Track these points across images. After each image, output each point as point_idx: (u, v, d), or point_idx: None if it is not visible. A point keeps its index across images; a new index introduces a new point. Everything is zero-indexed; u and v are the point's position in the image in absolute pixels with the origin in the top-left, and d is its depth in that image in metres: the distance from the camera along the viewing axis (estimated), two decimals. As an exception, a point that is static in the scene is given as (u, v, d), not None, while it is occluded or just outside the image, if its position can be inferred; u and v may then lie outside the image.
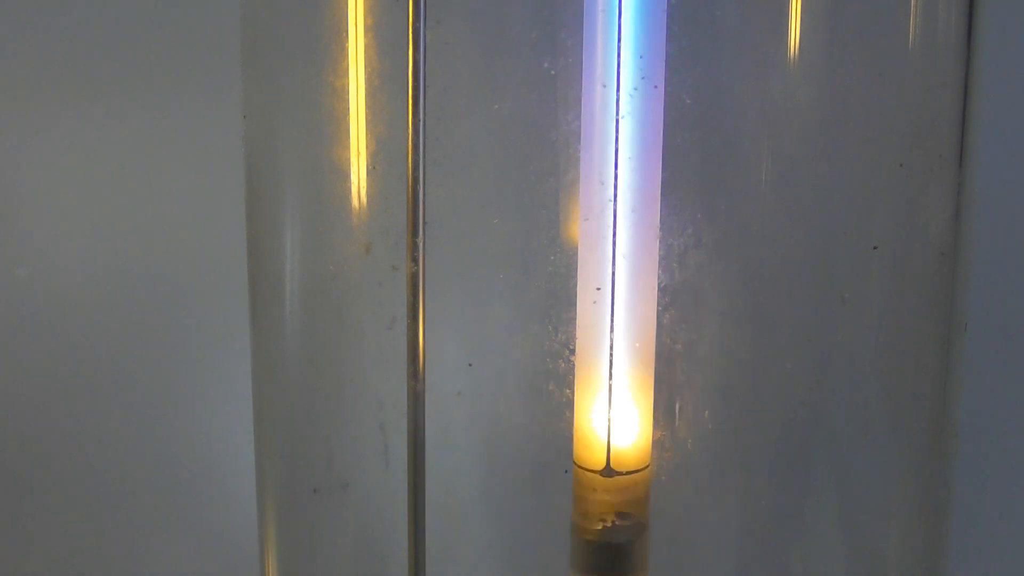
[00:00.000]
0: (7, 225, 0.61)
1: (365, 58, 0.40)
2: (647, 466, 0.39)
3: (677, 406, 0.41)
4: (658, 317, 0.39)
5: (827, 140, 0.41)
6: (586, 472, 0.39)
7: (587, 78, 0.36)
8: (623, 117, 0.36)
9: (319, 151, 0.42)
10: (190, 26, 0.58)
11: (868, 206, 0.42)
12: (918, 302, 0.43)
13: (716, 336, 0.41)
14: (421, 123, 0.36)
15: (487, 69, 0.40)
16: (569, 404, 0.40)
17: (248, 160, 0.44)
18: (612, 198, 0.36)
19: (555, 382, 0.40)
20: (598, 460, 0.38)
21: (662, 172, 0.37)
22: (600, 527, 0.39)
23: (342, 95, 0.41)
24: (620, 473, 0.38)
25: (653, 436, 0.39)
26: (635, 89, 0.36)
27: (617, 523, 0.39)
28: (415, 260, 0.36)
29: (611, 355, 0.38)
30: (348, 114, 0.41)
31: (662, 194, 0.37)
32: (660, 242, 0.38)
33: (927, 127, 0.42)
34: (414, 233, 0.36)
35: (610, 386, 0.38)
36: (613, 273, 0.37)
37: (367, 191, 0.41)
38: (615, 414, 0.38)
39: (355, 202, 0.41)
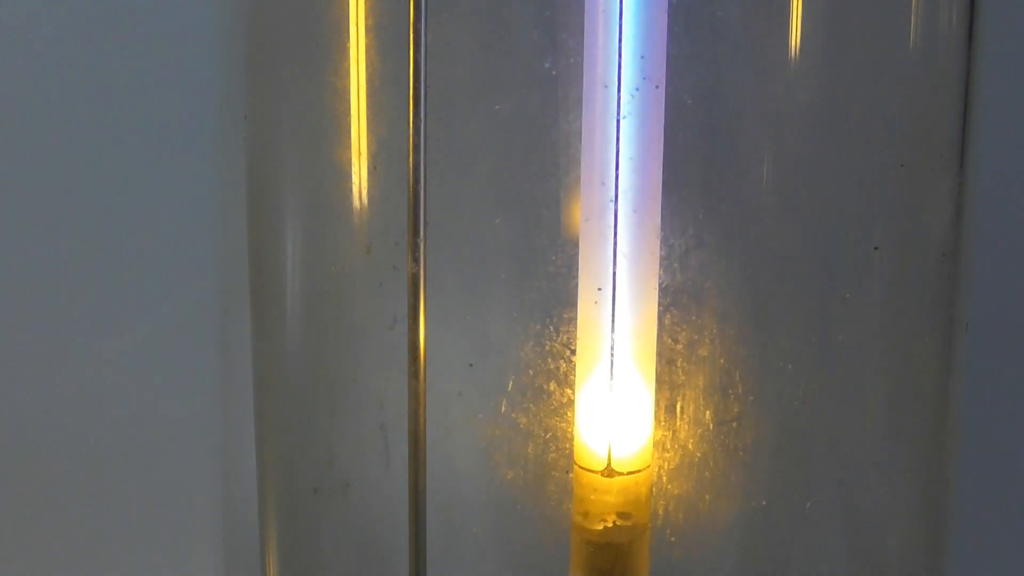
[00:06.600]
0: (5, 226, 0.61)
1: (366, 58, 0.40)
2: (648, 466, 0.39)
3: (678, 406, 0.41)
4: (659, 317, 0.39)
5: (828, 140, 0.41)
6: (587, 472, 0.39)
7: (588, 78, 0.36)
8: (624, 117, 0.36)
9: (320, 151, 0.42)
10: (191, 26, 0.58)
11: (869, 206, 0.42)
12: (919, 302, 0.43)
13: (717, 336, 0.41)
14: (422, 123, 0.36)
15: (488, 69, 0.40)
16: (570, 404, 0.40)
17: (249, 160, 0.45)
18: (613, 198, 0.36)
19: (555, 382, 0.40)
20: (599, 460, 0.38)
21: (663, 172, 0.37)
22: (601, 527, 0.39)
23: (343, 95, 0.41)
24: (621, 473, 0.38)
25: (654, 436, 0.39)
26: (636, 89, 0.36)
27: (618, 523, 0.39)
28: (416, 260, 0.36)
29: (612, 355, 0.38)
30: (349, 114, 0.41)
31: (663, 194, 0.37)
32: (661, 242, 0.38)
33: (927, 127, 0.42)
34: (415, 233, 0.36)
35: (611, 386, 0.38)
36: (614, 273, 0.37)
37: (368, 191, 0.41)
38: (616, 414, 0.38)
39: (356, 202, 0.41)
